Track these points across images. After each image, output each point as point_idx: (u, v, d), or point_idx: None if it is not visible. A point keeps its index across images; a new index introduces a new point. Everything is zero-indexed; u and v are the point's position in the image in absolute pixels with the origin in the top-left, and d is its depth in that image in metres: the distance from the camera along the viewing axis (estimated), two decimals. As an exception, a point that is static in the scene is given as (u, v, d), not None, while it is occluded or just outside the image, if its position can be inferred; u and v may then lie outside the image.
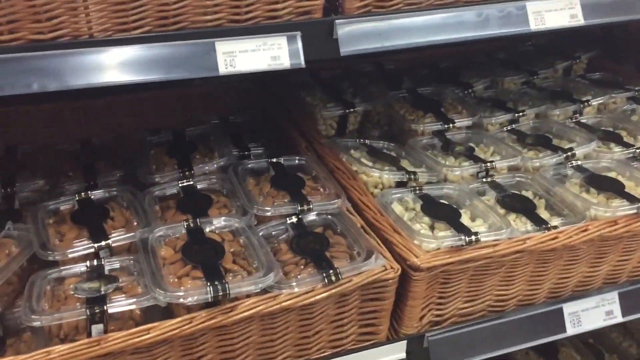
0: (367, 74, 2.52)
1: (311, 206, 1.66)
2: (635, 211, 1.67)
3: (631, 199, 1.72)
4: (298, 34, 1.52)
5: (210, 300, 1.35)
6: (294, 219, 1.65)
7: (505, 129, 2.16)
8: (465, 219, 1.68)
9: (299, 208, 1.65)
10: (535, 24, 1.81)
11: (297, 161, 1.90)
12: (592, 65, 2.72)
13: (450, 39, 1.69)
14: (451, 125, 2.11)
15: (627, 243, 1.73)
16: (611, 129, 2.18)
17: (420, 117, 2.19)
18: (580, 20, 1.85)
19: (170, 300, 1.37)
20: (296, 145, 2.05)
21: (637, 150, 2.00)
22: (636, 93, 2.39)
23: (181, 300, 1.35)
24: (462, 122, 2.13)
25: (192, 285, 1.38)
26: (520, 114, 2.20)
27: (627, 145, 2.04)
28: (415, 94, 2.35)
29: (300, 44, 1.51)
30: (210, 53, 1.43)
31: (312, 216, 1.67)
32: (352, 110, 2.19)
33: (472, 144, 2.07)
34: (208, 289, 1.35)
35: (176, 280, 1.41)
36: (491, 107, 2.28)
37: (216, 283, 1.36)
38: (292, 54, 1.52)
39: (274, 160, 1.88)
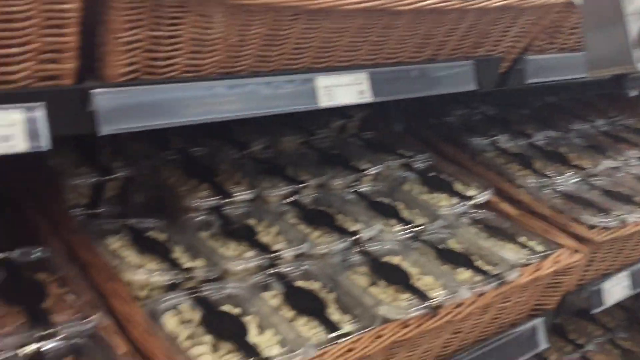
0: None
1: (56, 329, 1.26)
2: (425, 310, 1.59)
3: (419, 294, 1.63)
4: (40, 105, 1.15)
5: None
6: (29, 349, 1.23)
7: (286, 201, 1.98)
8: (253, 331, 1.43)
9: (37, 335, 1.23)
10: (325, 101, 1.67)
11: (36, 255, 1.47)
12: (364, 123, 2.69)
13: (237, 116, 1.45)
14: (229, 199, 1.85)
15: (416, 340, 1.64)
16: (388, 202, 2.13)
17: (194, 187, 1.88)
18: (367, 97, 1.76)
19: None
20: (37, 230, 1.59)
21: (416, 229, 1.96)
22: (408, 159, 2.40)
23: None
24: (242, 195, 1.88)
25: None
26: (302, 184, 2.02)
27: (406, 222, 1.99)
28: (187, 156, 2.03)
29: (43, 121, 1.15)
30: None
31: (55, 342, 1.27)
32: (109, 177, 1.79)
33: (251, 222, 1.83)
34: None
35: None
36: (270, 174, 2.07)
37: None
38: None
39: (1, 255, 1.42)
